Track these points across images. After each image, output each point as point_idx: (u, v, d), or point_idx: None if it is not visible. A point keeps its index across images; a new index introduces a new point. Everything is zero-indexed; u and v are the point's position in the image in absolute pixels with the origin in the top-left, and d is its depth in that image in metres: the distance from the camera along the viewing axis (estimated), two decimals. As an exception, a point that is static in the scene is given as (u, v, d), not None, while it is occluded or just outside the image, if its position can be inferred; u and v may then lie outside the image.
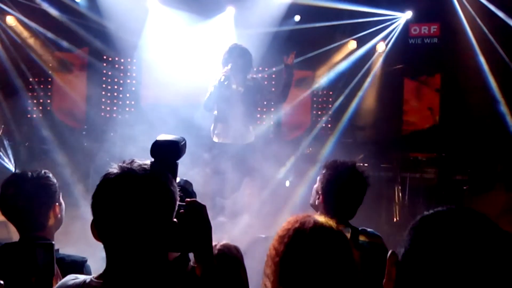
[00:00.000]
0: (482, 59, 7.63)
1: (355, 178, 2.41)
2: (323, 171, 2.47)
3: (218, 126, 5.02)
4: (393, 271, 1.02)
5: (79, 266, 1.93)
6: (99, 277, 1.29)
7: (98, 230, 1.27)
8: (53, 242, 1.60)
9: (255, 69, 5.66)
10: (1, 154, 6.56)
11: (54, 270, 1.52)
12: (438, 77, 8.57)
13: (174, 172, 1.32)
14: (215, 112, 5.02)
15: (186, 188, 1.47)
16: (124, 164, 1.27)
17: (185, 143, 1.37)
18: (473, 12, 7.59)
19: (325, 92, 9.06)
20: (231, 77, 4.82)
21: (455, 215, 1.01)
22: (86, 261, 1.98)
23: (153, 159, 1.31)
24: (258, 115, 5.04)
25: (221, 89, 4.75)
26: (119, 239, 1.25)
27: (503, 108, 7.43)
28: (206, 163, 4.96)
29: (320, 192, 2.44)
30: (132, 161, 1.29)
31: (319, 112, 8.99)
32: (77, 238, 2.98)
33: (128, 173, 1.25)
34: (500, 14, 7.25)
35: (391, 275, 1.02)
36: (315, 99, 9.10)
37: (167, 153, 1.32)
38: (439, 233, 0.98)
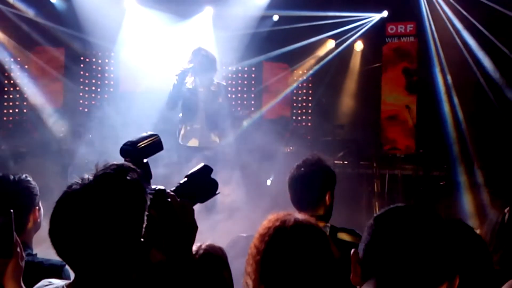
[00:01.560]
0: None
1: (307, 166, 2.46)
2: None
3: (183, 128, 5.11)
4: (357, 266, 1.12)
5: (57, 270, 1.92)
6: (69, 285, 1.27)
7: (56, 247, 1.21)
8: (11, 210, 1.53)
9: (226, 69, 5.71)
10: None
11: (13, 238, 1.48)
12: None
13: (147, 171, 1.31)
14: (180, 115, 5.11)
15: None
16: (85, 176, 1.21)
17: (154, 140, 1.37)
18: (446, 11, 7.75)
19: (304, 91, 9.12)
20: (189, 74, 4.95)
21: (405, 212, 1.14)
22: (64, 265, 1.96)
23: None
24: (223, 120, 5.16)
25: (178, 87, 4.89)
26: (79, 256, 1.19)
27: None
28: (175, 165, 4.99)
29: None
30: (95, 171, 1.21)
31: (299, 111, 9.05)
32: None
33: (84, 190, 1.18)
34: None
35: (356, 271, 1.13)
36: (294, 98, 9.15)
37: (136, 153, 1.31)
38: (391, 229, 1.10)
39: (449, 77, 7.83)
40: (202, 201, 1.42)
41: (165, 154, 5.21)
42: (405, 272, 1.05)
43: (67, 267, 1.94)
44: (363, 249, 1.13)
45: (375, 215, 1.16)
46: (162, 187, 1.33)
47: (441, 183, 6.97)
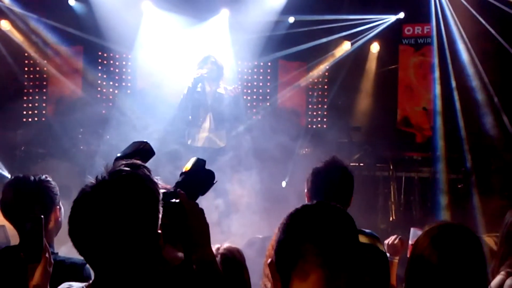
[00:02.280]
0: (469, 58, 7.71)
1: (330, 169, 2.42)
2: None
3: (191, 130, 5.27)
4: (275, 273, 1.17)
5: (78, 269, 1.94)
6: (89, 285, 1.27)
7: (77, 247, 1.23)
8: (42, 216, 1.58)
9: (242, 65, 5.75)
10: None
11: (42, 243, 1.52)
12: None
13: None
14: (190, 117, 5.32)
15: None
16: (99, 177, 1.22)
17: (144, 146, 1.40)
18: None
19: (320, 92, 9.10)
20: (203, 80, 5.25)
21: (316, 209, 1.18)
22: (85, 263, 1.98)
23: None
24: (230, 122, 5.33)
25: (192, 90, 5.17)
26: (99, 255, 1.21)
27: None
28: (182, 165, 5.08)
29: (306, 192, 2.47)
30: (108, 169, 1.23)
31: (314, 113, 9.02)
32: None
33: (99, 188, 1.20)
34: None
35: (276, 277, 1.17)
36: (309, 99, 9.14)
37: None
38: (296, 225, 1.15)
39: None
40: (202, 193, 1.44)
41: (174, 155, 5.30)
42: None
43: (87, 265, 1.98)
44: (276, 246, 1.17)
45: (289, 213, 1.20)
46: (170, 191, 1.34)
47: (458, 186, 6.89)
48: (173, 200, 1.31)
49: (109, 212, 1.17)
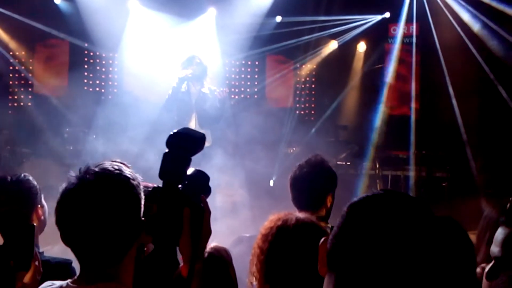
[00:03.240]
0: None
1: (310, 166, 2.46)
2: None
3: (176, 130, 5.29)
4: (324, 257, 1.01)
5: (64, 267, 1.94)
6: (74, 281, 1.30)
7: (64, 240, 1.28)
8: (34, 224, 1.61)
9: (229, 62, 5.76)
10: None
11: (33, 251, 1.52)
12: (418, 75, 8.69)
13: (184, 166, 1.29)
14: (176, 118, 5.36)
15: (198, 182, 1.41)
16: (79, 174, 1.28)
17: (203, 139, 1.34)
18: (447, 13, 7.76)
19: (307, 91, 9.15)
20: (188, 80, 5.27)
21: (379, 200, 0.98)
22: (71, 262, 1.99)
23: (167, 150, 1.30)
24: (214, 122, 5.37)
25: (177, 90, 5.22)
26: (82, 247, 1.27)
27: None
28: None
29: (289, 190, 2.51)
30: (88, 168, 1.29)
31: (301, 112, 9.06)
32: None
33: (79, 185, 1.26)
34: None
35: (323, 262, 1.02)
36: (297, 98, 9.18)
37: (185, 145, 1.30)
38: (361, 220, 0.96)
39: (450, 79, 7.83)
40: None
41: (161, 154, 5.31)
42: (367, 272, 0.90)
43: (73, 265, 1.98)
44: (330, 240, 0.99)
45: (348, 203, 1.00)
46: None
47: (443, 184, 6.98)
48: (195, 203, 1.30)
49: (89, 206, 1.25)
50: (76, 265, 2.00)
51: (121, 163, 1.35)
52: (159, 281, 1.65)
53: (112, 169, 1.29)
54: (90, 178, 1.26)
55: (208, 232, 1.29)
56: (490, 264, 1.32)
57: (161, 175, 1.26)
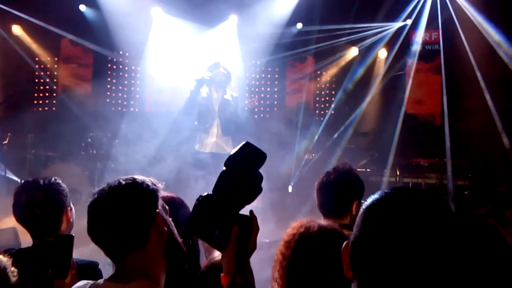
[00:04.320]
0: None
1: (337, 173, 2.48)
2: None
3: (198, 135, 5.30)
4: (347, 260, 0.99)
5: (91, 269, 2.00)
6: (109, 279, 1.36)
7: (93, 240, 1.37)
8: (73, 234, 1.67)
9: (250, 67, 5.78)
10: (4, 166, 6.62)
11: (70, 261, 1.58)
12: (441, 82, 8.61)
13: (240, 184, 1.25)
14: (196, 123, 5.36)
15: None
16: (105, 185, 1.39)
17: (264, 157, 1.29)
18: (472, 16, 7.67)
19: (327, 98, 9.13)
20: (208, 84, 5.25)
21: (403, 199, 0.94)
22: (98, 264, 2.04)
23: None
24: (236, 128, 5.38)
25: (194, 93, 5.18)
26: (108, 248, 1.37)
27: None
28: (191, 171, 5.16)
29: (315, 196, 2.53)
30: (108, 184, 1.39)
31: (321, 118, 9.05)
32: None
33: (99, 196, 1.38)
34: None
35: (347, 264, 0.99)
36: (317, 105, 9.17)
37: (245, 163, 1.27)
38: (381, 221, 0.93)
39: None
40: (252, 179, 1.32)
41: (182, 160, 5.37)
42: (393, 276, 0.87)
43: (100, 267, 2.03)
44: (351, 244, 0.96)
45: (367, 203, 0.97)
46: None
47: (465, 193, 6.88)
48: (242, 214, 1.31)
49: (110, 214, 1.36)
50: (102, 267, 2.06)
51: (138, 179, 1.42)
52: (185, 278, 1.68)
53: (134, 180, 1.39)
54: (116, 186, 1.37)
55: (253, 248, 1.30)
56: None
57: (216, 191, 1.25)
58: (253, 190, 1.31)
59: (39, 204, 2.02)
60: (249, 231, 1.28)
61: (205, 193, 1.26)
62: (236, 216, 1.27)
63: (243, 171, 1.27)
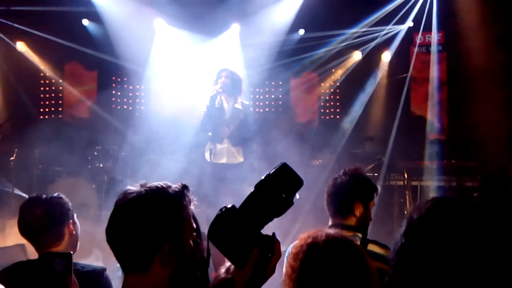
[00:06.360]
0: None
1: (343, 175, 2.54)
2: None
3: (210, 146, 5.25)
4: None
5: (98, 275, 2.02)
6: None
7: (111, 246, 1.34)
8: (71, 252, 1.69)
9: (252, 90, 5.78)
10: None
11: (71, 279, 1.57)
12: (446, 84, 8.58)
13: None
14: (210, 134, 5.33)
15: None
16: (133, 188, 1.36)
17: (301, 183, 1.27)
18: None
19: (332, 103, 9.12)
20: (219, 96, 5.17)
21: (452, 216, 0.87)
22: (105, 269, 2.07)
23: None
24: (247, 137, 5.32)
25: (210, 108, 5.12)
26: (120, 255, 1.33)
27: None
28: (204, 182, 5.12)
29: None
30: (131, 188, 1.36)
31: (327, 124, 9.03)
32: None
33: (122, 201, 1.34)
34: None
35: None
36: (322, 110, 9.15)
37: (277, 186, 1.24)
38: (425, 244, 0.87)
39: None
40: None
41: (194, 171, 5.35)
42: None
43: (107, 272, 2.06)
44: (388, 274, 0.86)
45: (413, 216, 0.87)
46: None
47: (474, 194, 6.81)
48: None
49: (130, 221, 1.32)
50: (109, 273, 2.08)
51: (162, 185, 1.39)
52: None
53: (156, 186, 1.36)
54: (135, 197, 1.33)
55: (271, 273, 1.26)
56: None
57: (244, 209, 1.23)
58: (284, 204, 1.29)
59: (40, 218, 2.11)
60: (269, 256, 1.24)
61: (230, 205, 1.24)
62: (258, 236, 1.24)
63: (276, 197, 1.25)
